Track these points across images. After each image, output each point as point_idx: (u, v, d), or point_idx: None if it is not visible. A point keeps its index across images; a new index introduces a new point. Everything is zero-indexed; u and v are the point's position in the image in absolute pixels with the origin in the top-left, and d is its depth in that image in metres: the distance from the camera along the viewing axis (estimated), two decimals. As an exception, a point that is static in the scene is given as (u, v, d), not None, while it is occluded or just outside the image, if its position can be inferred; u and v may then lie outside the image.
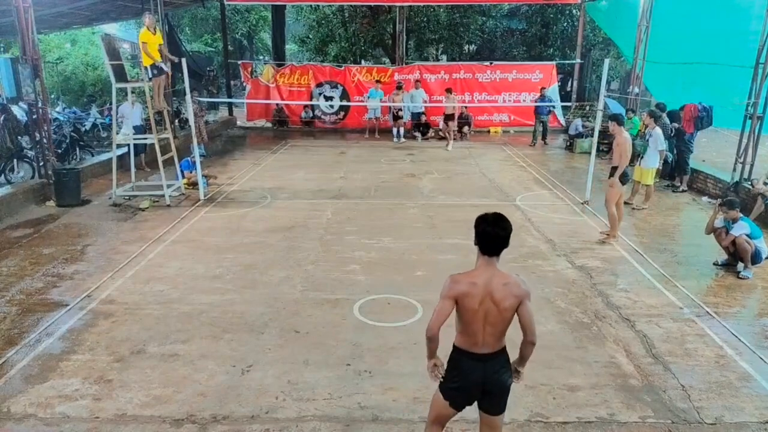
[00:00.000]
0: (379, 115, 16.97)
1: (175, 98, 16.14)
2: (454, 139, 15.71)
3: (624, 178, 7.58)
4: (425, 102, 16.89)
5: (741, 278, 6.46)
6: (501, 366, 3.05)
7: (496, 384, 3.04)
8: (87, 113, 16.55)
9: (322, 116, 18.66)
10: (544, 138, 16.09)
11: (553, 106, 17.26)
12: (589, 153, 9.81)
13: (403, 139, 16.32)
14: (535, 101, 16.39)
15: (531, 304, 2.95)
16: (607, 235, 7.73)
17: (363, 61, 21.66)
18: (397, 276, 6.44)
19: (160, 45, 9.64)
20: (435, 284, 6.85)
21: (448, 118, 15.69)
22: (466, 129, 16.68)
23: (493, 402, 3.11)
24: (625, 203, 8.54)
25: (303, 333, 5.16)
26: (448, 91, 15.81)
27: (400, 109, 16.47)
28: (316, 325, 5.30)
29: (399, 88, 16.72)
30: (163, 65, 9.64)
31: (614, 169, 7.55)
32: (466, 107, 17.18)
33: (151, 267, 6.70)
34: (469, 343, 3.00)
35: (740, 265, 6.58)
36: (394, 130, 16.53)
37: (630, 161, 7.73)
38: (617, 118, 7.69)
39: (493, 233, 2.88)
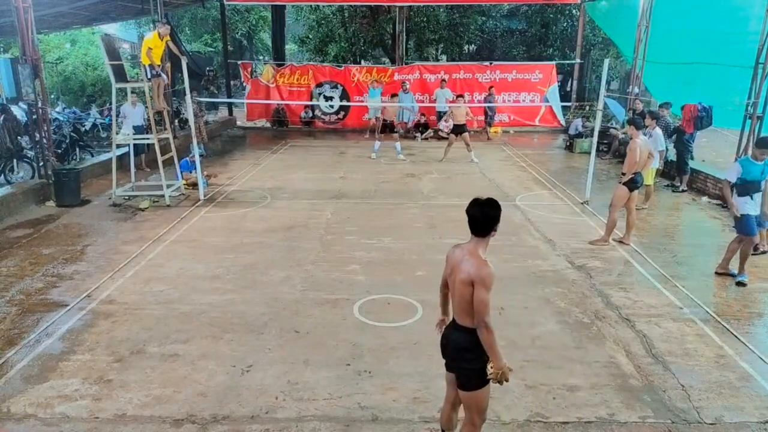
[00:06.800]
0: (379, 114, 16.88)
1: (175, 98, 16.14)
2: (448, 141, 13.41)
3: (633, 184, 7.30)
4: (419, 102, 16.65)
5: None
6: (457, 339, 3.20)
7: (449, 353, 3.30)
8: (87, 113, 16.56)
9: (322, 116, 18.66)
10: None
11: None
12: (589, 153, 9.81)
13: (401, 156, 13.36)
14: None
15: (484, 291, 2.99)
16: (604, 240, 7.57)
17: (363, 61, 21.65)
18: (397, 276, 6.44)
19: (168, 42, 9.57)
20: (435, 284, 6.83)
21: (459, 129, 13.01)
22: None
23: (451, 369, 3.33)
24: (637, 208, 8.12)
25: (303, 333, 5.16)
26: (461, 96, 13.88)
27: (392, 119, 13.63)
28: (316, 325, 5.30)
29: (403, 90, 15.75)
30: (160, 71, 9.62)
31: (624, 174, 7.32)
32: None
33: (151, 267, 6.70)
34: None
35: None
36: (377, 144, 13.44)
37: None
38: (635, 122, 7.51)
39: (469, 213, 3.16)
